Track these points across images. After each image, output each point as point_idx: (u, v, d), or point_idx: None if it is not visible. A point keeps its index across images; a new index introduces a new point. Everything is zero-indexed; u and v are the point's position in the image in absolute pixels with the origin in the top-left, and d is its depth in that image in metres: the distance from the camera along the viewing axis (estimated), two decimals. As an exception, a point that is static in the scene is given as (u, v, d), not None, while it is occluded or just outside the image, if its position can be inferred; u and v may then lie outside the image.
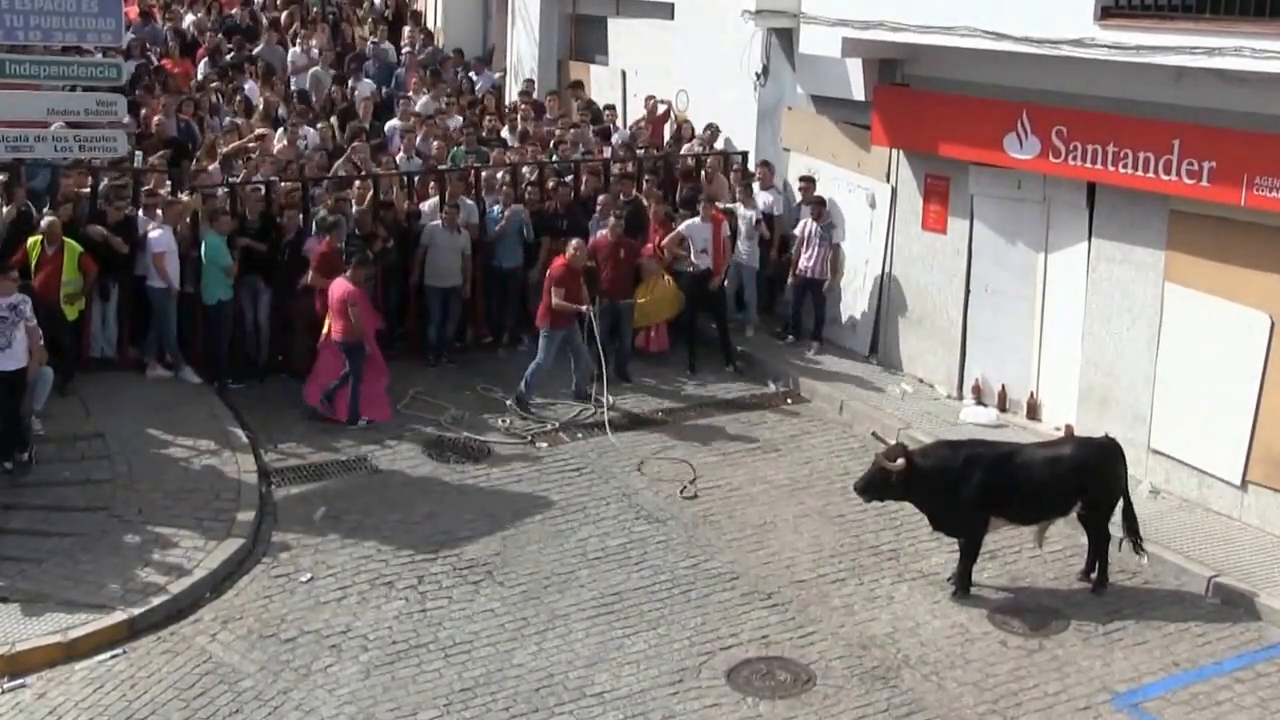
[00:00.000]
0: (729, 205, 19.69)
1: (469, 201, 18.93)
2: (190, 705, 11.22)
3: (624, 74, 24.67)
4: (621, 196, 19.43)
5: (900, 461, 12.79)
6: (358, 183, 18.59)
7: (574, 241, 17.39)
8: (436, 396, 17.47)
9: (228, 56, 24.61)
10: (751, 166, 20.71)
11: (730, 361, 18.91)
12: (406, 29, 28.31)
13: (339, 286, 16.49)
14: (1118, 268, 15.67)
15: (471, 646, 12.15)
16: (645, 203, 19.43)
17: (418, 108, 22.68)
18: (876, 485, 13.05)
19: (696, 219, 18.68)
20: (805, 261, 19.20)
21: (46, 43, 17.17)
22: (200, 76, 23.93)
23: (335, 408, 16.66)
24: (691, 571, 13.54)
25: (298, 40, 25.45)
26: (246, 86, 23.14)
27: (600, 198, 19.29)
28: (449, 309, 18.47)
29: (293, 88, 23.63)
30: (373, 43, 26.73)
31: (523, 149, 21.01)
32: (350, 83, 24.10)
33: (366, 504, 14.74)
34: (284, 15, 27.24)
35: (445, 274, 18.24)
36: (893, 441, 13.27)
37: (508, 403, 17.27)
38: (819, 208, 19.24)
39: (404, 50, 26.91)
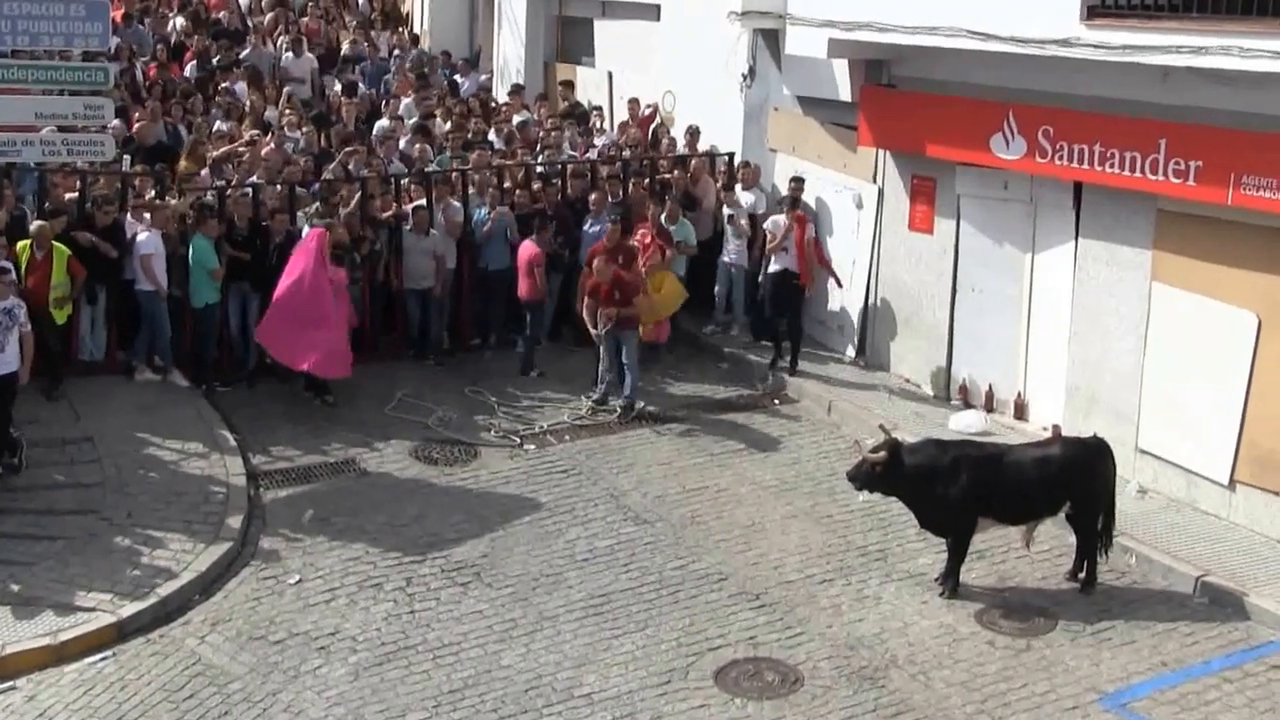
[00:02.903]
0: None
1: (455, 203, 18.95)
2: (179, 707, 11.21)
3: (610, 75, 24.68)
4: (611, 198, 19.46)
5: (881, 454, 12.84)
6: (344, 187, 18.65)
7: (596, 263, 17.30)
8: (423, 398, 17.47)
9: (214, 60, 24.56)
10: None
11: (793, 364, 18.66)
12: (385, 33, 28.29)
13: (527, 249, 18.11)
14: (1104, 267, 15.71)
15: (460, 648, 12.15)
16: (647, 203, 19.35)
17: (400, 111, 22.67)
18: (862, 476, 13.11)
19: (781, 216, 18.59)
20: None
21: (34, 48, 17.18)
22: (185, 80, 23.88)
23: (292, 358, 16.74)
24: (679, 573, 13.56)
25: (283, 44, 25.41)
26: (237, 88, 23.09)
27: (592, 197, 19.34)
28: (427, 310, 18.52)
29: (284, 91, 23.58)
30: (350, 42, 26.71)
31: (509, 151, 21.03)
32: (336, 85, 24.11)
33: (354, 506, 14.75)
34: (269, 18, 27.17)
35: (418, 276, 18.35)
36: (898, 434, 13.30)
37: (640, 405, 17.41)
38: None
39: (394, 53, 26.91)
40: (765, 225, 18.77)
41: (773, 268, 18.54)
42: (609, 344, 17.30)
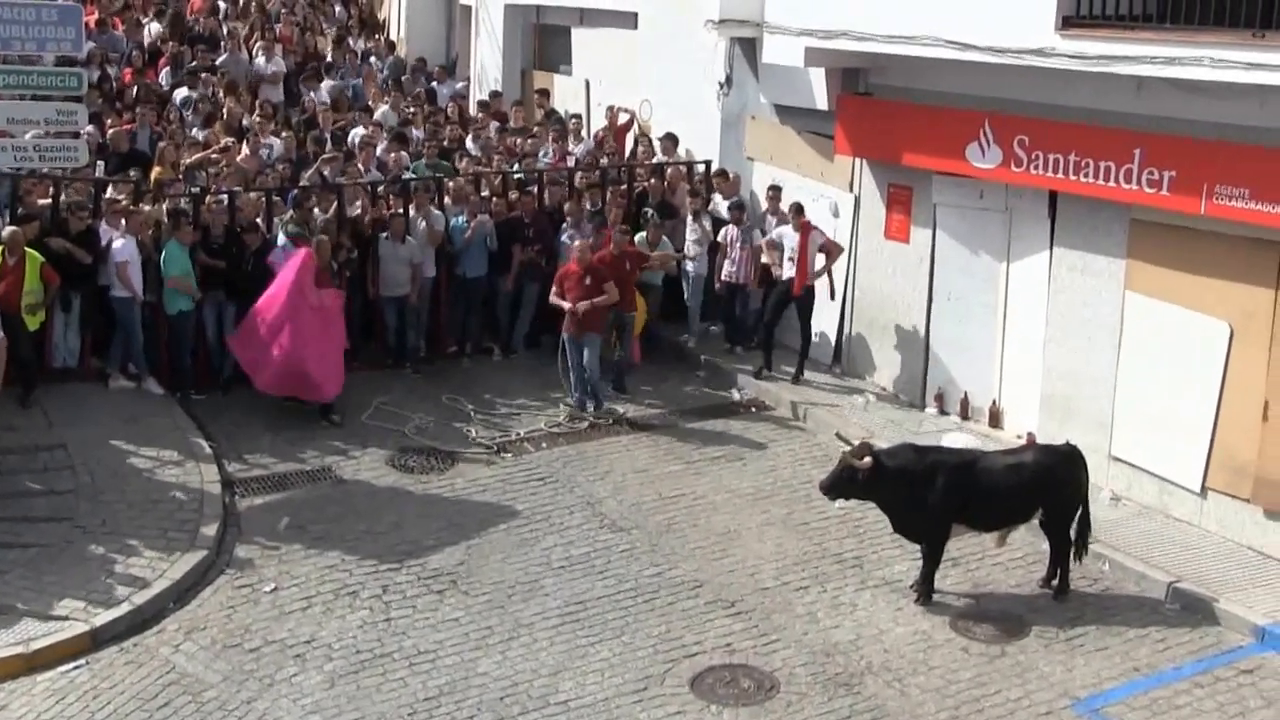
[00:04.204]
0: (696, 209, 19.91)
1: (436, 211, 18.93)
2: (153, 716, 11.17)
3: (588, 83, 24.70)
4: (588, 206, 19.48)
5: (867, 460, 12.82)
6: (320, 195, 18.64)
7: (578, 244, 17.67)
8: (401, 407, 17.45)
9: (191, 64, 24.50)
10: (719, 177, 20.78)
11: (799, 372, 18.74)
12: (360, 40, 28.30)
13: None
14: (1079, 276, 15.78)
15: (436, 656, 12.14)
16: (614, 210, 19.40)
17: (378, 118, 22.67)
18: (843, 483, 13.05)
19: (788, 226, 18.54)
20: (729, 267, 19.24)
21: (6, 52, 17.13)
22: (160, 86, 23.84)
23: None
24: (655, 580, 13.57)
25: (259, 50, 25.39)
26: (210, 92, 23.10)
27: (566, 206, 19.35)
28: (404, 318, 18.52)
29: (259, 97, 23.59)
30: (333, 49, 26.72)
31: (483, 158, 21.03)
32: (312, 93, 24.11)
33: (330, 514, 14.72)
34: (245, 26, 27.11)
35: (395, 284, 18.30)
36: (856, 443, 13.33)
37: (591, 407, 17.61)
38: (737, 212, 19.30)
39: (370, 59, 26.92)
40: (771, 235, 18.74)
41: (778, 276, 18.55)
42: (573, 350, 17.39)
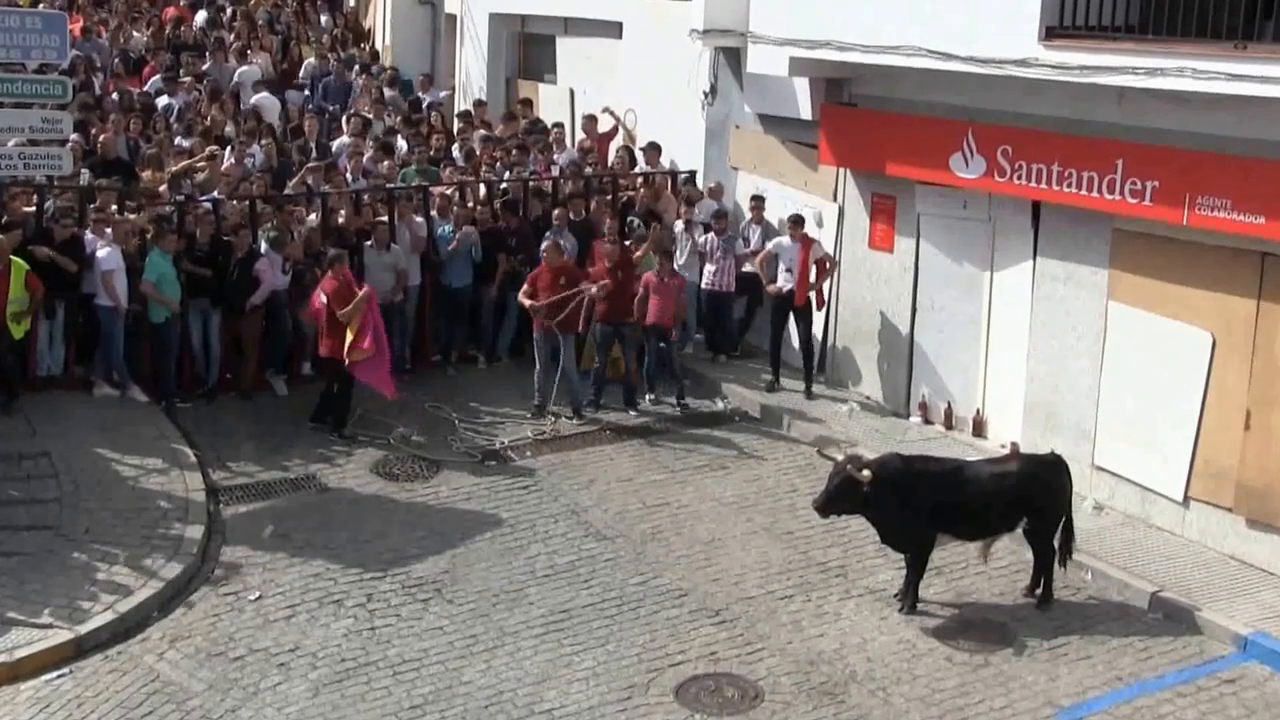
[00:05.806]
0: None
1: (418, 219, 18.94)
2: (137, 725, 11.18)
3: (572, 92, 24.72)
4: (572, 215, 19.49)
5: (866, 473, 12.79)
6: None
7: (545, 245, 17.86)
8: (385, 415, 17.43)
9: (179, 73, 24.50)
10: (701, 184, 20.76)
11: (809, 385, 18.69)
12: (348, 50, 28.37)
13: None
14: (1062, 286, 15.83)
15: (420, 664, 12.14)
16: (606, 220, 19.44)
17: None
18: (842, 498, 12.93)
19: (785, 238, 18.51)
20: (710, 275, 19.29)
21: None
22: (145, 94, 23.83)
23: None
24: (640, 589, 13.58)
25: (244, 57, 25.41)
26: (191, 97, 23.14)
27: (555, 212, 19.35)
28: (389, 326, 18.48)
29: (242, 106, 23.60)
30: (318, 58, 26.77)
31: (468, 168, 21.05)
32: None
33: (315, 522, 14.71)
34: (231, 34, 27.13)
35: (379, 291, 18.16)
36: (839, 457, 13.30)
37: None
38: (721, 222, 19.33)
39: (356, 69, 26.94)
40: (769, 246, 18.76)
41: (774, 287, 18.55)
42: (545, 351, 17.48)
